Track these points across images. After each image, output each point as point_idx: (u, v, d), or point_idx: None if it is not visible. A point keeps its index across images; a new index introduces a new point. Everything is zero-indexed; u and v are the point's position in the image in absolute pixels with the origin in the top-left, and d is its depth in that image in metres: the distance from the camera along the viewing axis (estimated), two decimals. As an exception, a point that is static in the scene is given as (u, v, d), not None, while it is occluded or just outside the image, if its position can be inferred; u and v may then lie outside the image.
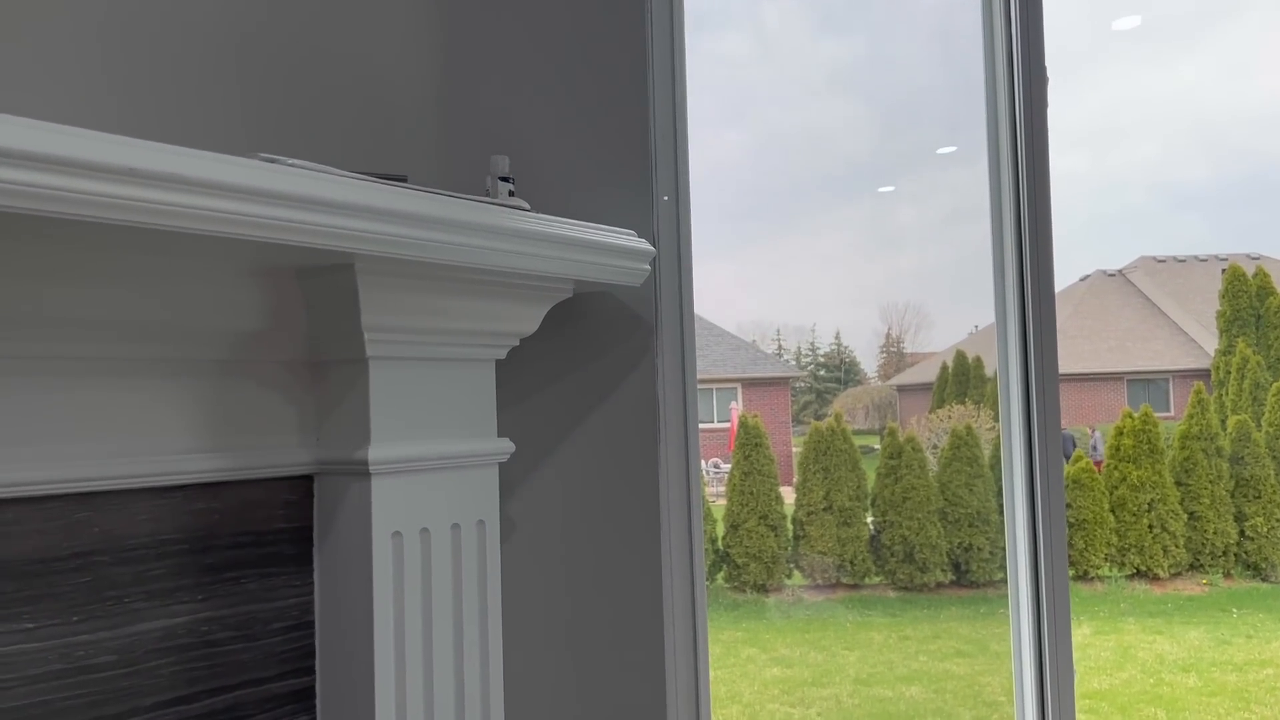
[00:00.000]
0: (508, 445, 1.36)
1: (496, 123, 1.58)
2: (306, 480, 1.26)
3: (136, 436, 1.09)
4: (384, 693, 1.20)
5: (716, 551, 7.84)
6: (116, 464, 1.07)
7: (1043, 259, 1.61)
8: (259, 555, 1.21)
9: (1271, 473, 8.06)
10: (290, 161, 1.01)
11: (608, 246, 1.32)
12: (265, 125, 1.38)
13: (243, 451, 1.18)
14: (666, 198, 1.53)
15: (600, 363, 1.54)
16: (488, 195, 1.34)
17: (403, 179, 1.16)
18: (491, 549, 1.33)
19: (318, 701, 1.26)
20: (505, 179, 1.37)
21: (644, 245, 1.38)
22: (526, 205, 1.27)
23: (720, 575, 7.78)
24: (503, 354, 1.35)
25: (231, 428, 1.17)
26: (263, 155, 0.99)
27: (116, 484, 1.08)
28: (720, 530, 7.72)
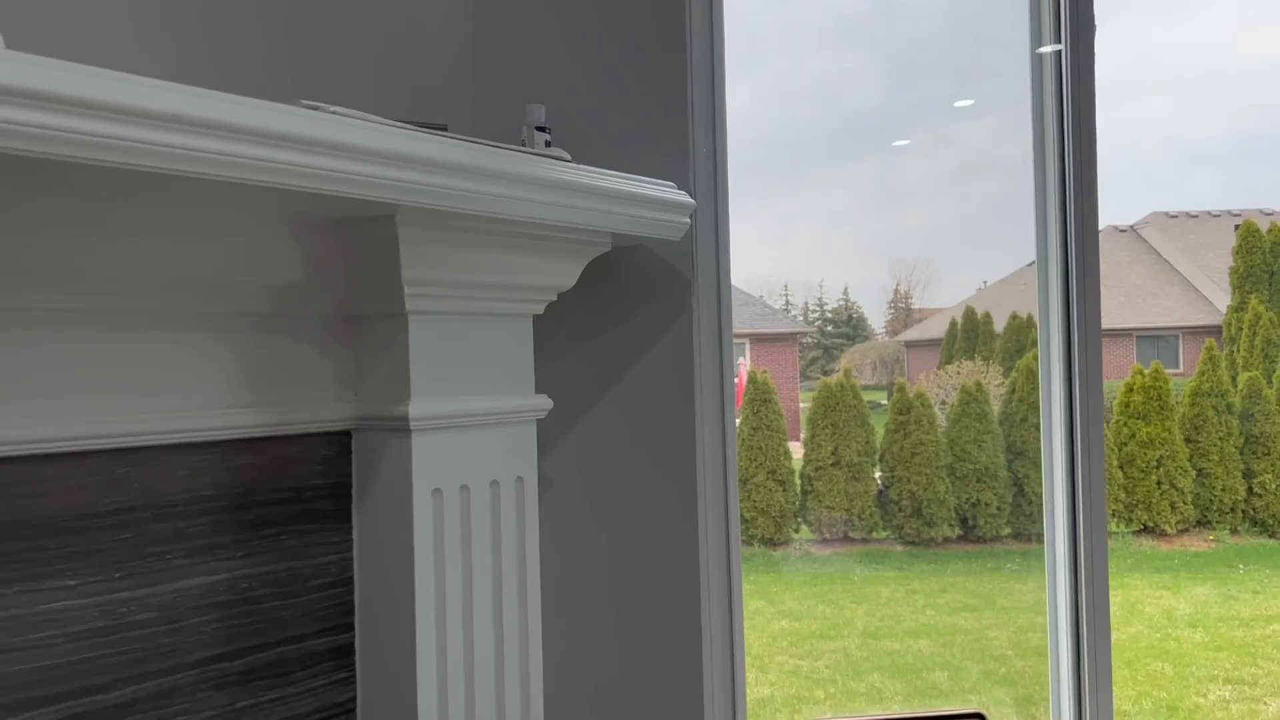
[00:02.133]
0: (545, 402, 1.34)
1: (531, 72, 1.54)
2: (344, 436, 1.24)
3: (175, 391, 1.07)
4: (425, 650, 1.19)
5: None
6: (156, 419, 1.05)
7: (1088, 205, 1.58)
8: (297, 511, 1.20)
9: (1281, 430, 8.06)
10: (332, 109, 0.98)
11: (648, 199, 1.29)
12: (302, 73, 1.34)
13: (280, 407, 1.16)
14: (705, 150, 1.50)
15: (637, 318, 1.51)
16: (524, 145, 1.30)
17: (443, 128, 1.12)
18: (530, 506, 1.32)
19: (357, 658, 1.25)
20: (542, 129, 1.34)
21: (684, 198, 1.35)
22: (567, 155, 1.24)
23: (728, 530, 7.82)
24: (540, 309, 1.33)
25: (269, 383, 1.15)
26: (305, 102, 0.96)
27: (156, 439, 1.06)
28: (728, 485, 7.75)
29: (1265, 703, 5.14)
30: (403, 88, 1.48)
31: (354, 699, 1.25)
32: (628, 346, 1.52)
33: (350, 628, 1.25)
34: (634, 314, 1.52)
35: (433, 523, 1.20)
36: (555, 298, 1.34)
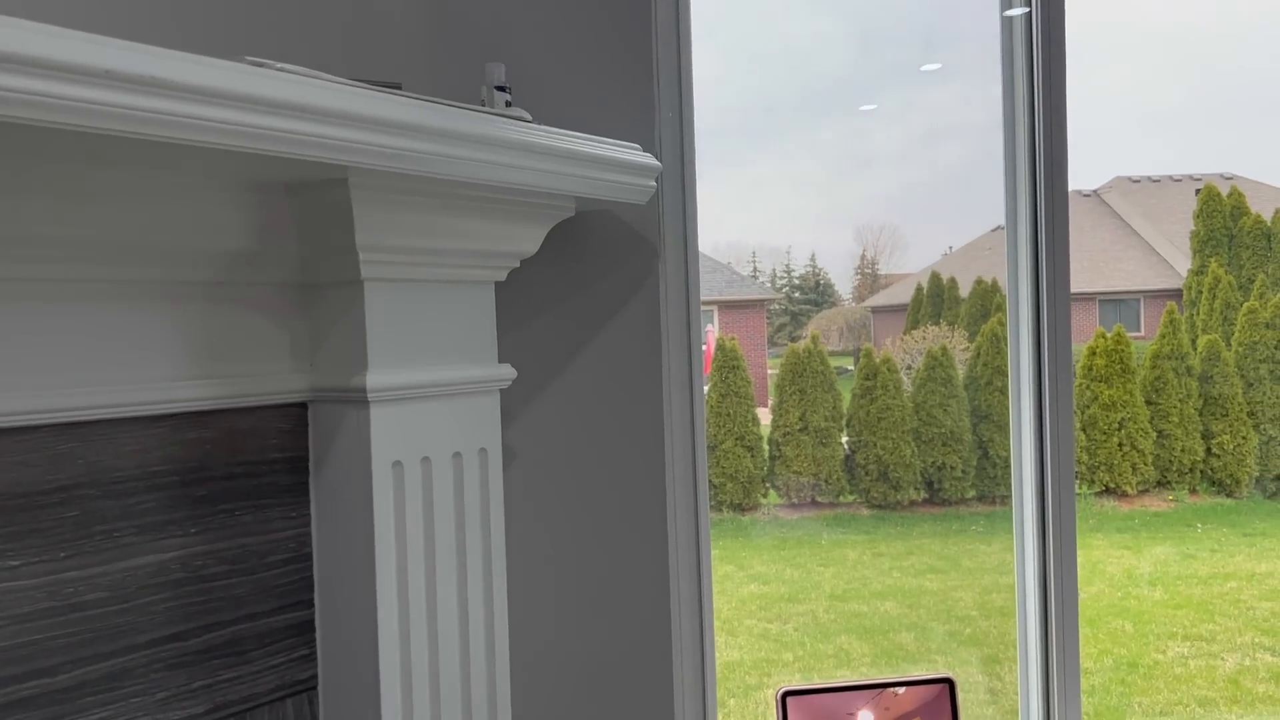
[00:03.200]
0: (509, 371, 1.31)
1: (490, 29, 1.49)
2: (300, 408, 1.20)
3: (121, 363, 1.03)
4: (387, 625, 1.17)
5: (693, 472, 7.89)
6: (101, 392, 1.01)
7: (1057, 170, 1.56)
8: (252, 486, 1.16)
9: (1239, 391, 8.20)
10: (279, 66, 0.93)
11: (613, 161, 1.26)
12: (250, 28, 1.29)
13: (233, 379, 1.12)
14: (670, 113, 1.46)
15: (602, 285, 1.48)
16: (483, 106, 1.26)
17: (397, 87, 1.08)
18: (494, 477, 1.29)
19: (317, 634, 1.22)
20: (502, 88, 1.29)
21: (650, 160, 1.31)
22: (528, 116, 1.20)
23: (696, 495, 7.84)
24: (502, 276, 1.29)
25: (220, 353, 1.11)
26: (250, 59, 0.91)
27: (101, 413, 1.02)
28: (697, 451, 7.77)
29: (1222, 658, 5.26)
30: (354, 45, 1.43)
31: (315, 676, 1.22)
32: (593, 314, 1.49)
33: (310, 604, 1.22)
34: (599, 280, 1.49)
35: (393, 496, 1.17)
36: (518, 264, 1.30)
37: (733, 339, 8.51)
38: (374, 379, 1.13)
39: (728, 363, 8.07)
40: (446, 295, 1.23)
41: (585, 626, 1.54)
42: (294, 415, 1.20)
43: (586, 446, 1.51)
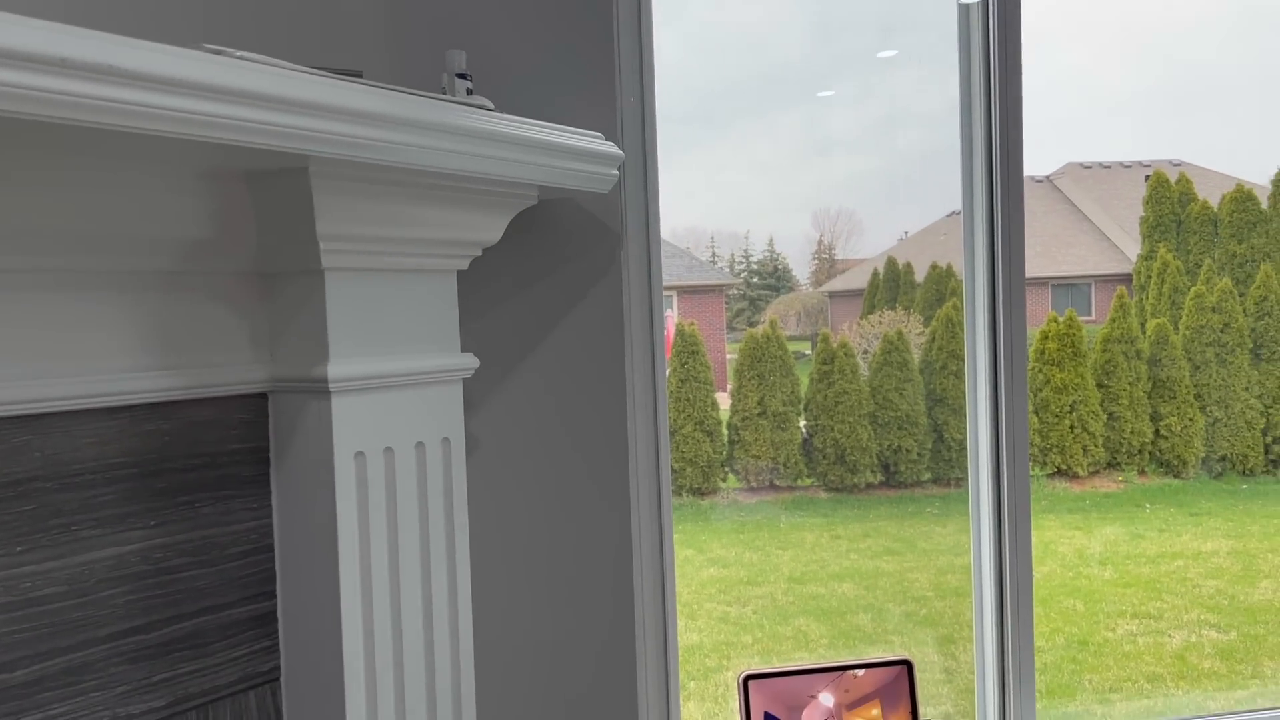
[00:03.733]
0: (471, 360, 1.30)
1: (451, 17, 1.48)
2: (261, 399, 1.19)
3: (78, 354, 1.01)
4: (350, 616, 1.16)
5: (653, 458, 7.91)
6: (57, 384, 1.00)
7: (1013, 156, 1.59)
8: (213, 478, 1.15)
9: (1186, 374, 8.39)
10: (238, 54, 0.92)
11: (576, 150, 1.25)
12: (207, 15, 1.27)
13: (192, 369, 1.11)
14: (633, 100, 1.46)
15: (564, 273, 1.48)
16: (444, 93, 1.25)
17: (358, 74, 1.07)
18: (457, 467, 1.29)
19: (280, 626, 1.22)
20: (463, 76, 1.29)
21: (613, 149, 1.31)
22: (490, 104, 1.20)
23: (656, 480, 7.87)
24: (465, 265, 1.29)
25: (179, 344, 1.10)
26: (208, 46, 0.90)
27: (57, 405, 1.00)
28: (656, 436, 7.79)
29: (1170, 635, 5.40)
30: (314, 32, 1.41)
31: (277, 668, 1.21)
32: (555, 302, 1.49)
33: (272, 595, 1.21)
34: (561, 268, 1.49)
35: (355, 487, 1.17)
36: (480, 253, 1.30)
37: (692, 324, 8.53)
38: (335, 369, 1.13)
39: (687, 348, 8.09)
40: (408, 284, 1.23)
41: (550, 613, 1.55)
42: (254, 406, 1.19)
43: (550, 434, 1.51)
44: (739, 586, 6.19)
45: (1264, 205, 8.91)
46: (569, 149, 1.24)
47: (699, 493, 7.94)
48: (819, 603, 5.90)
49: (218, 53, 0.89)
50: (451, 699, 1.29)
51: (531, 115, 1.27)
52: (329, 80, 0.97)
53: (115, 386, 1.04)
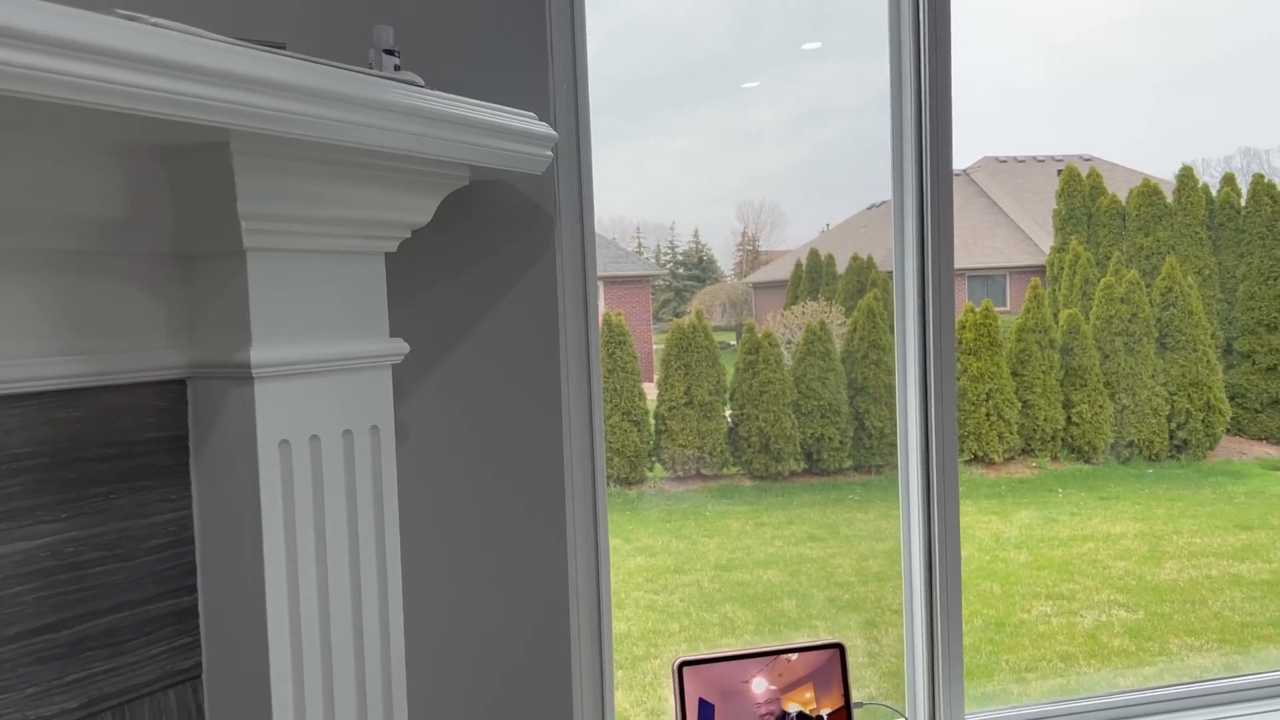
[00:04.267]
0: (401, 346, 1.27)
1: (376, -10, 1.43)
2: (179, 385, 1.14)
3: (-22, 339, 0.95)
4: (276, 609, 1.12)
5: (579, 448, 7.90)
6: (-44, 370, 0.94)
7: (942, 148, 1.60)
8: (129, 468, 1.10)
9: (1096, 363, 8.68)
10: (154, 20, 0.87)
11: (509, 129, 1.23)
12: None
13: (105, 354, 1.05)
14: (565, 86, 1.44)
15: (498, 258, 1.45)
16: (371, 69, 1.21)
17: (281, 47, 1.03)
18: (386, 455, 1.26)
19: (201, 621, 1.17)
20: (390, 52, 1.25)
21: (546, 129, 1.29)
22: (420, 81, 1.16)
23: (582, 471, 7.86)
24: (393, 247, 1.25)
25: (91, 327, 1.04)
26: (120, 11, 0.85)
27: (-43, 393, 0.94)
28: (584, 427, 7.78)
29: (1081, 615, 5.58)
30: (235, 4, 1.35)
31: (199, 664, 1.17)
32: (489, 287, 1.46)
33: (193, 589, 1.16)
34: (495, 253, 1.46)
35: (280, 476, 1.13)
36: (409, 234, 1.26)
37: (619, 314, 8.52)
38: (258, 354, 1.09)
39: (614, 338, 8.08)
40: (335, 266, 1.19)
41: (483, 603, 1.52)
42: (172, 393, 1.14)
43: (483, 422, 1.49)
44: (666, 575, 6.21)
45: (1169, 200, 9.25)
46: (501, 128, 1.21)
47: (626, 482, 7.94)
48: (745, 589, 5.95)
49: (132, 19, 0.85)
50: (382, 692, 1.26)
51: (463, 94, 1.24)
52: (251, 51, 0.93)
53: (21, 372, 0.99)
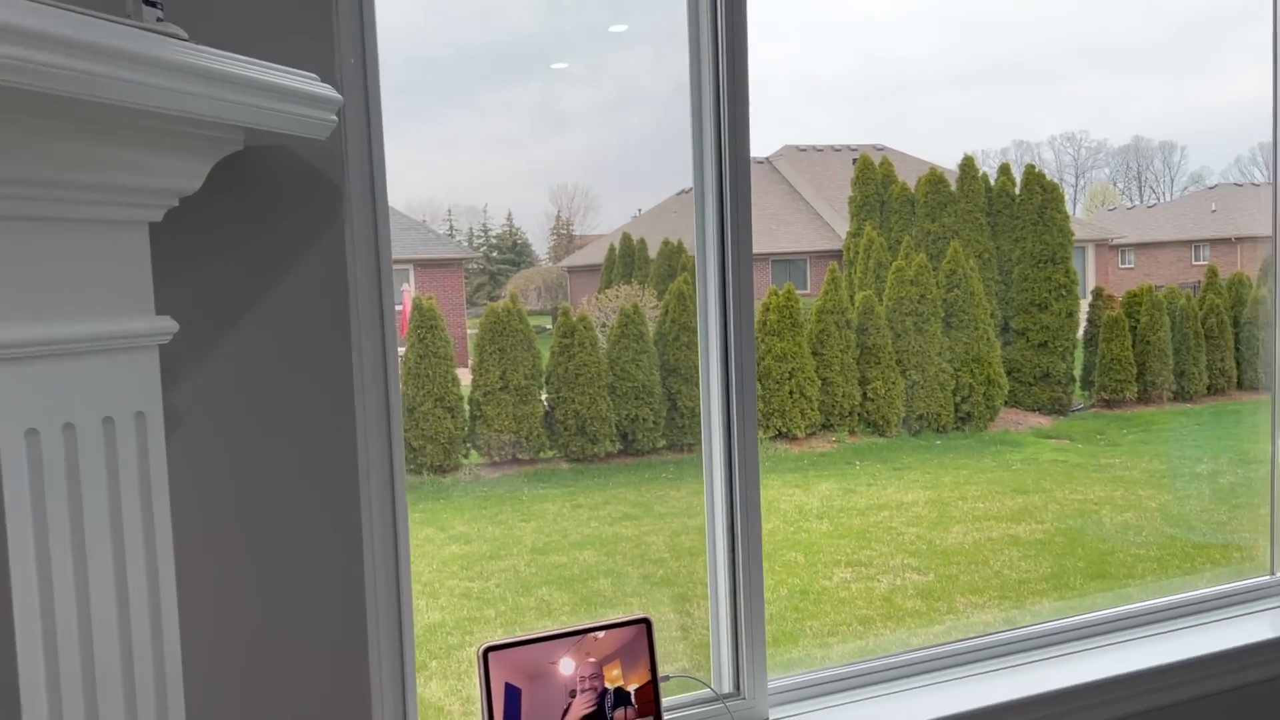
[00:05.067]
0: (169, 324, 1.17)
1: (135, -66, 1.30)
2: (-102, 371, 1.00)
3: None
4: (26, 620, 1.01)
5: (389, 436, 7.67)
6: None
7: (740, 137, 1.62)
8: None
9: (889, 341, 9.20)
10: None
11: (284, 89, 1.14)
12: None
13: None
14: (353, 59, 1.36)
15: (280, 229, 1.36)
16: (128, 19, 1.10)
17: (13, -13, 0.91)
18: (155, 444, 1.15)
19: (-66, 637, 1.03)
20: (151, 3, 1.14)
21: (329, 91, 1.21)
22: (183, 34, 1.06)
23: (394, 459, 7.65)
24: (158, 215, 1.14)
25: None
26: None
27: None
28: (393, 414, 7.57)
29: (878, 580, 5.91)
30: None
31: (-68, 686, 1.03)
32: (270, 261, 1.37)
33: (-78, 602, 1.03)
34: (277, 224, 1.36)
35: (28, 469, 1.01)
36: (177, 203, 1.16)
37: (430, 298, 8.33)
38: (-4, 334, 0.97)
39: (425, 323, 7.90)
40: (89, 237, 1.07)
41: (273, 601, 1.43)
42: (-111, 380, 1.00)
43: (267, 408, 1.39)
44: (482, 561, 6.13)
45: (953, 188, 9.91)
46: (276, 88, 1.13)
47: (441, 470, 7.79)
48: (561, 571, 5.95)
49: None
50: (155, 707, 1.16)
51: (238, 52, 1.15)
52: (-29, -13, 0.82)
53: None
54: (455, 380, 8.10)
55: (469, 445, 8.20)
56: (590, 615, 5.57)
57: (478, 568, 6.02)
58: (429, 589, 5.76)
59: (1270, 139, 2.21)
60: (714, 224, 1.67)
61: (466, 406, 8.22)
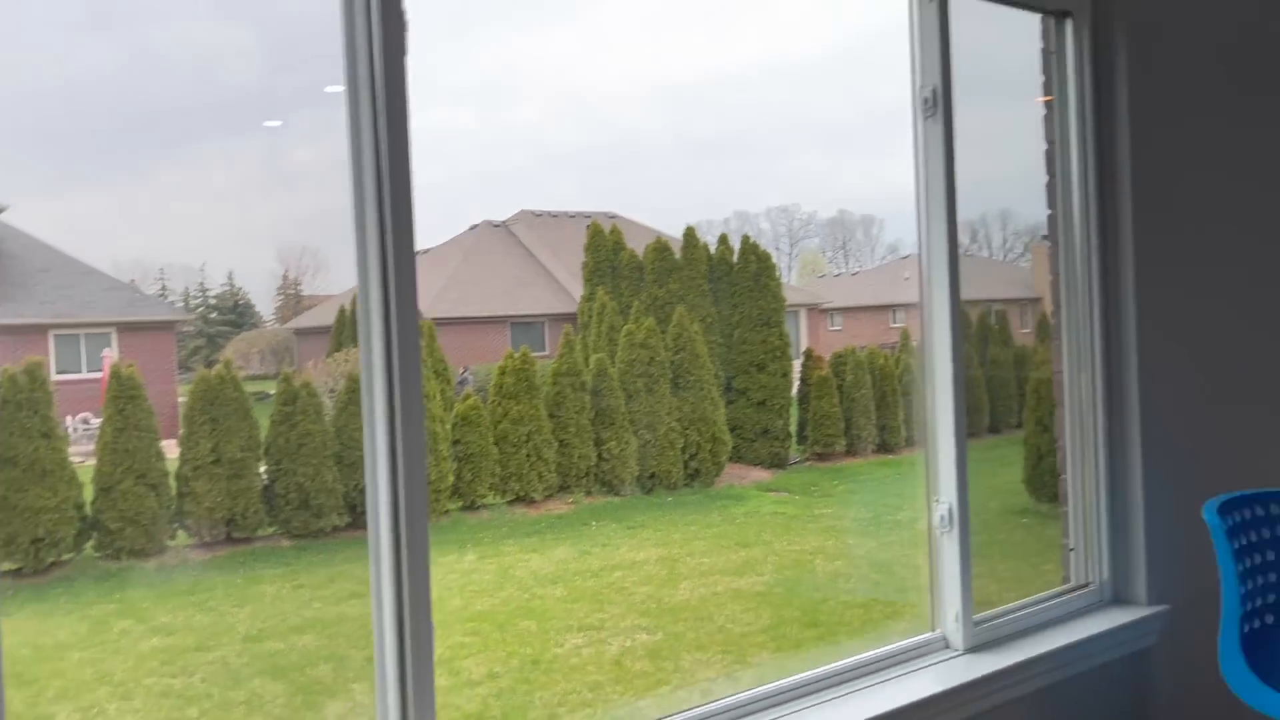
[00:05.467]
0: None
1: None
2: None
3: None
4: None
5: (84, 519, 6.96)
6: None
7: (403, 217, 1.58)
8: None
9: (622, 402, 9.43)
10: None
11: None
12: None
13: None
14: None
15: None
16: None
17: None
18: None
19: None
20: None
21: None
22: None
23: (90, 545, 6.93)
24: None
25: None
26: None
27: None
28: (90, 494, 6.87)
29: (609, 643, 5.94)
30: None
31: None
32: None
33: None
34: None
35: None
36: None
37: (131, 365, 7.64)
38: None
39: (125, 392, 7.24)
40: None
41: None
42: None
43: None
44: (186, 654, 5.60)
45: (678, 255, 10.38)
46: None
47: (142, 554, 7.09)
48: (276, 659, 5.54)
49: None
50: None
51: None
52: None
53: None
54: (160, 454, 7.47)
55: (176, 525, 7.55)
56: (308, 707, 5.20)
57: (181, 661, 5.49)
58: (122, 689, 5.18)
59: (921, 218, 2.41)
60: (378, 311, 1.59)
61: (174, 483, 7.59)
